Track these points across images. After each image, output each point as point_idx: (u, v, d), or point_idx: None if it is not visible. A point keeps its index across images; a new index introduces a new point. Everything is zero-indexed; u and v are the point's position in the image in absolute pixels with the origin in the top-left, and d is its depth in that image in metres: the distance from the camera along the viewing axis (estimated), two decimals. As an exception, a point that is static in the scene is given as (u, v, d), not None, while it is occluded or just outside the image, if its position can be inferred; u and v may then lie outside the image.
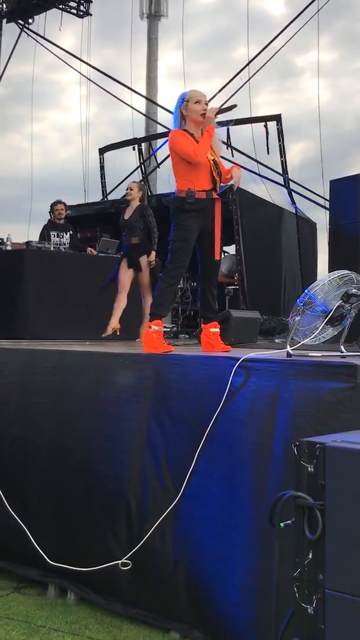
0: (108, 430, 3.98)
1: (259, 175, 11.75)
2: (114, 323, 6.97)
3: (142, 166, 13.39)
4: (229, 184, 4.77)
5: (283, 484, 3.04)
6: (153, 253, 7.24)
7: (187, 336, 9.66)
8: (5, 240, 8.19)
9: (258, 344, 6.11)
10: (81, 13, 13.93)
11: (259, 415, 3.37)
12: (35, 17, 13.66)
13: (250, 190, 10.38)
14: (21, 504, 4.23)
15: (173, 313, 10.42)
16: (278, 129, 11.45)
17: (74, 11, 13.86)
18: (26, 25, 13.69)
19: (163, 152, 12.43)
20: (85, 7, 13.91)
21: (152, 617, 3.70)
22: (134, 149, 13.24)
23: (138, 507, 3.77)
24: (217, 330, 4.63)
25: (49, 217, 8.75)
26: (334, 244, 7.97)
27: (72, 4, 13.77)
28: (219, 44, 18.30)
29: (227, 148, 11.04)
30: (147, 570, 3.68)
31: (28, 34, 13.85)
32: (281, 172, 11.78)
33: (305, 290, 3.59)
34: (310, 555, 2.29)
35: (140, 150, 13.31)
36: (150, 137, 14.05)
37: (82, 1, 13.84)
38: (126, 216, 7.31)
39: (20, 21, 13.66)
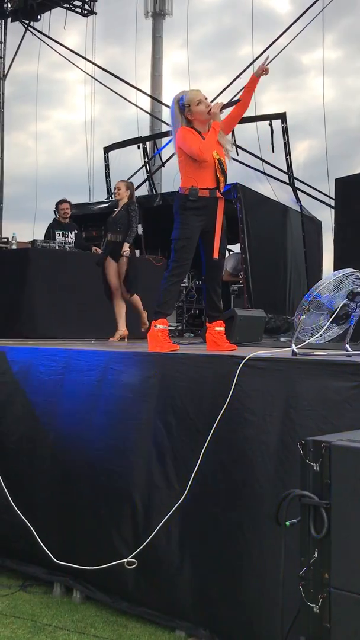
0: (113, 428, 3.99)
1: (264, 173, 11.73)
2: (122, 329, 6.94)
3: (147, 165, 13.38)
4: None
5: (288, 482, 3.04)
6: (126, 245, 6.92)
7: (192, 335, 9.66)
8: (10, 239, 8.21)
9: (263, 342, 6.11)
10: (86, 12, 13.91)
11: (265, 414, 3.37)
12: (40, 15, 13.66)
13: (255, 189, 10.36)
14: (27, 503, 4.24)
15: (178, 312, 10.42)
16: (283, 127, 11.43)
17: (79, 10, 13.84)
18: (31, 24, 13.69)
19: (168, 150, 12.43)
20: (89, 6, 13.88)
21: (158, 615, 3.71)
22: (138, 147, 13.23)
23: (143, 506, 3.77)
24: (222, 329, 4.63)
25: (54, 216, 8.75)
26: (339, 242, 7.96)
27: (77, 2, 13.74)
28: (224, 42, 18.25)
29: (232, 146, 11.03)
30: (152, 569, 3.69)
31: (33, 33, 13.86)
32: (286, 171, 11.76)
33: (311, 289, 3.59)
34: (316, 554, 2.29)
35: (145, 149, 13.30)
36: (155, 136, 14.04)
37: (86, 0, 13.84)
38: (114, 215, 7.18)
39: (24, 20, 13.66)
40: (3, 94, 14.39)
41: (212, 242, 4.51)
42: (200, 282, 10.44)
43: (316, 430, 3.01)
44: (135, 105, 14.04)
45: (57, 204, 8.67)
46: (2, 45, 14.34)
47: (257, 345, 5.50)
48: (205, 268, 4.64)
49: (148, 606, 3.75)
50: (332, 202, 9.54)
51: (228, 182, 4.62)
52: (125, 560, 3.69)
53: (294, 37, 11.67)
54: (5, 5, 13.76)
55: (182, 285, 9.27)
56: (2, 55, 14.34)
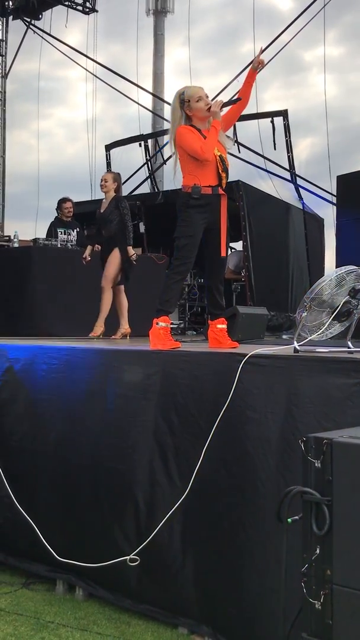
0: (116, 426, 3.99)
1: (266, 171, 11.74)
2: (124, 326, 6.93)
3: (149, 163, 13.38)
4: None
5: (290, 479, 3.05)
6: (130, 248, 6.89)
7: (195, 332, 9.67)
8: (12, 238, 8.22)
9: (265, 340, 6.10)
10: (87, 10, 13.92)
11: (266, 411, 3.37)
12: (42, 13, 13.66)
13: (257, 186, 10.37)
14: (29, 501, 4.25)
15: (180, 309, 10.42)
16: (285, 124, 11.44)
17: (80, 8, 13.84)
18: (32, 22, 13.70)
19: (169, 148, 12.40)
20: (91, 4, 13.89)
21: (161, 612, 3.71)
22: (140, 145, 13.24)
23: (146, 503, 3.77)
24: (224, 326, 4.63)
25: (56, 214, 8.74)
26: (341, 239, 7.96)
27: (78, 0, 13.76)
28: (225, 39, 18.25)
29: (234, 144, 11.04)
30: (155, 566, 3.69)
31: (34, 31, 13.87)
32: (288, 168, 11.76)
33: (313, 286, 3.59)
34: (318, 551, 2.29)
35: (146, 147, 13.31)
36: (156, 134, 14.05)
37: (88, -2, 13.84)
38: (102, 209, 7.06)
39: (26, 18, 13.67)
40: (5, 92, 14.40)
41: (215, 239, 4.51)
42: (202, 280, 10.45)
43: (318, 427, 3.01)
44: (137, 103, 14.06)
45: (60, 203, 8.66)
46: (4, 43, 14.36)
47: (259, 342, 5.50)
48: (208, 266, 4.64)
49: (151, 603, 3.75)
50: (334, 199, 9.55)
51: (230, 179, 4.62)
52: (127, 557, 3.69)
53: (296, 34, 11.67)
54: (6, 3, 13.77)
55: (185, 283, 9.28)
56: (4, 54, 14.36)
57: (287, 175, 11.83)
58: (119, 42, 17.34)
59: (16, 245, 8.14)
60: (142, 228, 10.96)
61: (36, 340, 5.55)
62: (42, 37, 13.94)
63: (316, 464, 2.32)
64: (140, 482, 3.81)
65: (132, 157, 13.41)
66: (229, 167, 4.51)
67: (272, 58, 11.45)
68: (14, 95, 15.19)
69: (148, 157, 13.31)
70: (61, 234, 8.23)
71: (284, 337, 7.51)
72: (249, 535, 3.34)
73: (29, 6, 13.13)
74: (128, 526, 3.83)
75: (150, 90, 15.35)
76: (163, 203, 10.39)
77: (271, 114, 11.48)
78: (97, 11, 14.09)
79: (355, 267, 3.59)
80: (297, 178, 11.82)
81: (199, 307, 10.91)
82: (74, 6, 13.77)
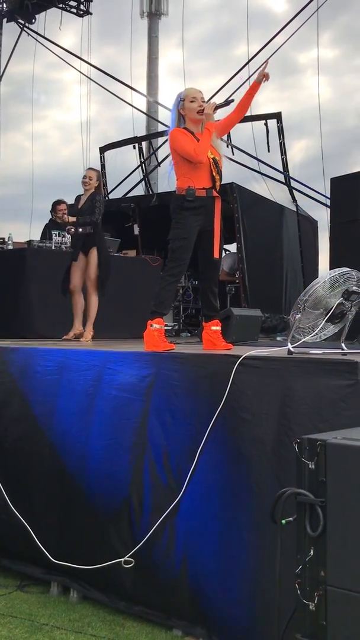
0: (110, 428, 3.99)
1: (260, 173, 11.76)
2: (77, 327, 6.65)
3: (143, 165, 13.39)
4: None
5: (284, 481, 3.05)
6: (78, 228, 6.65)
7: (189, 334, 9.67)
8: (6, 240, 8.19)
9: (259, 342, 6.12)
10: (81, 12, 13.91)
11: (261, 412, 3.37)
12: (35, 16, 13.64)
13: (251, 189, 10.38)
14: (24, 503, 4.24)
15: (174, 311, 10.43)
16: (278, 126, 11.46)
17: (74, 10, 13.84)
18: (26, 25, 13.68)
19: (163, 150, 12.42)
20: (85, 6, 13.89)
21: (155, 614, 3.71)
22: (134, 147, 13.24)
23: (140, 505, 3.77)
24: (219, 328, 4.64)
25: (50, 216, 8.74)
26: (335, 241, 7.98)
27: (72, 3, 13.74)
28: (219, 41, 18.24)
29: (228, 146, 11.06)
30: (149, 568, 3.69)
31: (28, 34, 13.84)
32: (282, 170, 11.78)
33: (307, 288, 3.60)
34: (312, 552, 2.30)
35: (140, 149, 13.31)
36: (151, 136, 14.04)
37: (82, 0, 13.83)
38: (79, 205, 6.85)
39: (20, 20, 13.65)
40: (-1, 94, 14.37)
41: (210, 241, 4.52)
42: (196, 282, 10.45)
43: (312, 429, 3.01)
44: (131, 105, 14.06)
45: (54, 205, 8.64)
46: (-2, 45, 14.32)
47: (253, 344, 5.51)
48: (202, 267, 4.65)
49: (145, 605, 3.75)
50: (328, 202, 9.56)
51: (224, 181, 4.63)
52: (122, 559, 3.69)
53: (290, 36, 11.66)
54: (0, 5, 13.75)
55: (179, 284, 9.27)
56: (-2, 56, 14.32)
57: (281, 177, 11.85)
58: (113, 45, 17.37)
59: (10, 247, 8.11)
60: (136, 230, 10.97)
61: (30, 343, 5.55)
62: (36, 40, 13.93)
63: (310, 466, 2.33)
64: (135, 484, 3.81)
65: (126, 159, 13.43)
66: (222, 170, 4.53)
67: (267, 60, 11.48)
68: (8, 97, 15.18)
69: (142, 159, 13.32)
70: (55, 236, 8.21)
71: (278, 338, 7.52)
72: (243, 537, 3.35)
73: (23, 8, 13.12)
74: (122, 528, 3.83)
75: (145, 93, 15.36)
76: (157, 205, 10.40)
77: (265, 117, 11.50)
78: (91, 14, 14.09)
79: (348, 269, 3.61)
80: (291, 180, 11.84)
81: (193, 309, 10.90)
82: (68, 9, 13.76)
